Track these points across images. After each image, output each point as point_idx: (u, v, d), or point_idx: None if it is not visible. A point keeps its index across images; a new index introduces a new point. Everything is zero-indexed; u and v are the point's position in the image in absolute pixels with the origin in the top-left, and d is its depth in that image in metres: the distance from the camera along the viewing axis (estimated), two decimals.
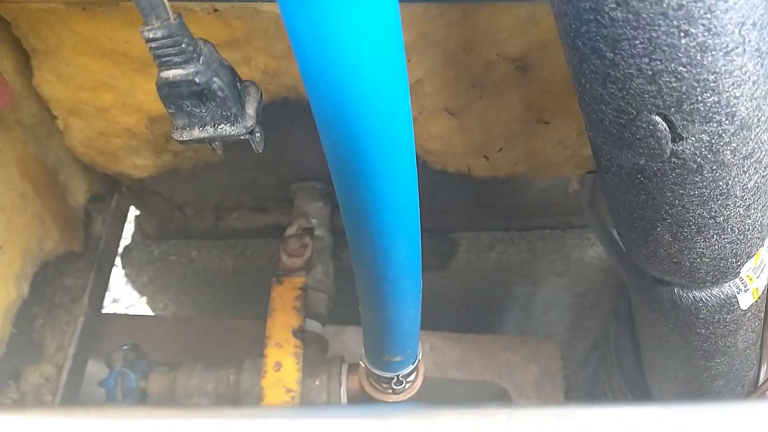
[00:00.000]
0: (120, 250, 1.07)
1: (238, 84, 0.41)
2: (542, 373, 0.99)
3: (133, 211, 1.06)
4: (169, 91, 0.38)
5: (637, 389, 0.84)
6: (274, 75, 0.73)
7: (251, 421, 0.27)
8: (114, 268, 1.01)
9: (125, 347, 0.81)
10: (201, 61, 0.38)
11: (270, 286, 0.84)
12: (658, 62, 0.37)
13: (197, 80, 0.37)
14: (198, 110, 0.40)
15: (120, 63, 0.69)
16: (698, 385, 0.71)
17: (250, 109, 0.41)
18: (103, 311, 0.97)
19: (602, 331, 1.15)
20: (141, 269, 1.08)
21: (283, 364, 0.76)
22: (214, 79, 0.38)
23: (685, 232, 0.49)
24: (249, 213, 1.05)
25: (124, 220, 1.00)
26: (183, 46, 0.38)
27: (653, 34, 0.36)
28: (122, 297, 1.56)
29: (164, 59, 0.37)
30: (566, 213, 1.08)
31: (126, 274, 1.11)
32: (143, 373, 0.81)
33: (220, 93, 0.39)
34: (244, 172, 0.95)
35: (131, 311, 1.54)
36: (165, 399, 0.80)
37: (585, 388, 1.33)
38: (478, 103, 0.76)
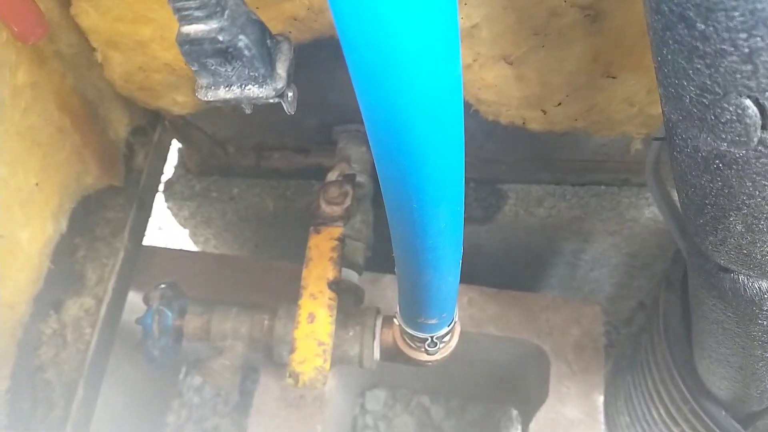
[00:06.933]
0: (162, 182, 1.06)
1: (268, 41, 0.37)
2: (584, 336, 0.96)
3: (175, 145, 1.04)
4: (190, 48, 0.34)
5: (683, 366, 0.80)
6: (319, 12, 0.68)
7: None
8: (158, 197, 1.01)
9: (163, 285, 0.81)
10: (225, 16, 0.33)
11: (309, 228, 0.82)
12: (759, 39, 0.31)
13: (221, 38, 0.33)
14: (223, 69, 0.36)
15: None
16: (751, 372, 0.66)
17: (281, 69, 0.37)
18: (145, 243, 0.98)
19: (651, 293, 1.10)
20: (183, 203, 1.08)
21: (316, 315, 0.75)
22: (240, 36, 0.34)
23: (762, 224, 0.44)
24: (291, 153, 1.02)
25: (166, 155, 0.98)
26: None
27: (757, 6, 0.30)
28: (167, 225, 1.58)
29: (184, 12, 0.33)
30: (624, 170, 1.01)
31: (168, 207, 1.11)
32: (180, 311, 0.81)
33: (246, 52, 0.35)
34: (286, 112, 0.91)
35: (175, 240, 1.56)
36: (200, 339, 0.80)
37: (627, 348, 1.29)
38: (539, 53, 0.69)
